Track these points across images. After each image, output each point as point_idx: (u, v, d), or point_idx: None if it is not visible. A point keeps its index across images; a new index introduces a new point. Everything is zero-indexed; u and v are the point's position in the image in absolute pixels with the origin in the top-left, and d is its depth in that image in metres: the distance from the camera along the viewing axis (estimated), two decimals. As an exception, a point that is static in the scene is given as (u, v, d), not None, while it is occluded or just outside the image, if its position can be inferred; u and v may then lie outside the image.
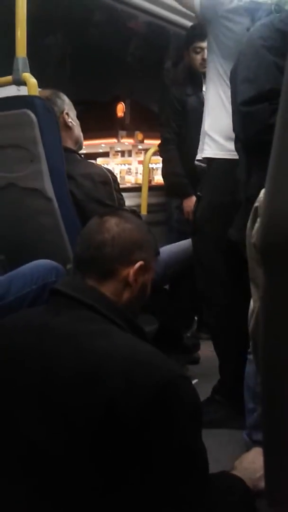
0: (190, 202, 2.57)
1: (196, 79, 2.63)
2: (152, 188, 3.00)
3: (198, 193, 1.85)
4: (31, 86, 1.62)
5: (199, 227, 1.80)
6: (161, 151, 2.75)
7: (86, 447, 0.71)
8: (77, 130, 1.79)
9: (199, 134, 1.85)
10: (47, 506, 0.75)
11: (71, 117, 1.75)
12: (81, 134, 1.81)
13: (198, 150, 1.84)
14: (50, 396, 0.76)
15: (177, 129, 2.61)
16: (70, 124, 1.73)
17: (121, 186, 1.92)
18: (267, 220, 0.50)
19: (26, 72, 1.65)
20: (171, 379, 0.74)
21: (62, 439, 0.73)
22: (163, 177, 2.85)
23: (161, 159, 2.81)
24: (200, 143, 1.82)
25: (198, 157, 1.84)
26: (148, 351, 0.80)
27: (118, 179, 2.09)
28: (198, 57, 2.52)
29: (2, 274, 1.48)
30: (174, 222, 2.71)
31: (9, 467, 0.79)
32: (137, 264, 0.96)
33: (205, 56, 2.23)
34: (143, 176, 3.05)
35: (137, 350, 0.79)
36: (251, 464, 0.98)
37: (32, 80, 1.62)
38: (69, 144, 1.72)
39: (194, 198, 2.56)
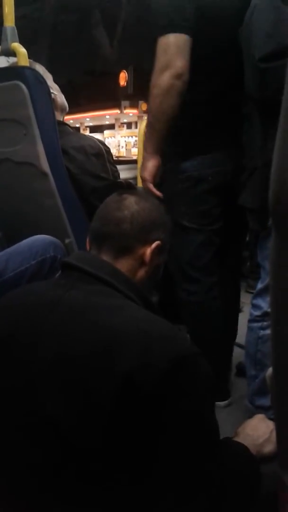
0: None
1: None
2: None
3: None
4: (21, 56, 1.57)
5: None
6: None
7: (103, 422, 0.71)
8: (59, 97, 1.68)
9: None
10: (54, 480, 0.76)
11: (50, 86, 1.60)
12: (64, 99, 1.71)
13: None
14: (67, 370, 0.75)
15: None
16: (52, 95, 1.58)
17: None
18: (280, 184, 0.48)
19: (15, 42, 1.60)
20: (187, 355, 0.74)
21: (79, 413, 0.72)
22: None
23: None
24: None
25: None
26: (164, 327, 0.79)
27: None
28: None
29: (0, 250, 1.47)
30: None
31: (19, 439, 0.79)
32: (154, 244, 0.95)
33: None
34: (138, 147, 2.99)
35: (154, 324, 0.78)
36: (254, 430, 0.97)
37: (22, 50, 1.57)
38: (57, 116, 1.62)
39: None
